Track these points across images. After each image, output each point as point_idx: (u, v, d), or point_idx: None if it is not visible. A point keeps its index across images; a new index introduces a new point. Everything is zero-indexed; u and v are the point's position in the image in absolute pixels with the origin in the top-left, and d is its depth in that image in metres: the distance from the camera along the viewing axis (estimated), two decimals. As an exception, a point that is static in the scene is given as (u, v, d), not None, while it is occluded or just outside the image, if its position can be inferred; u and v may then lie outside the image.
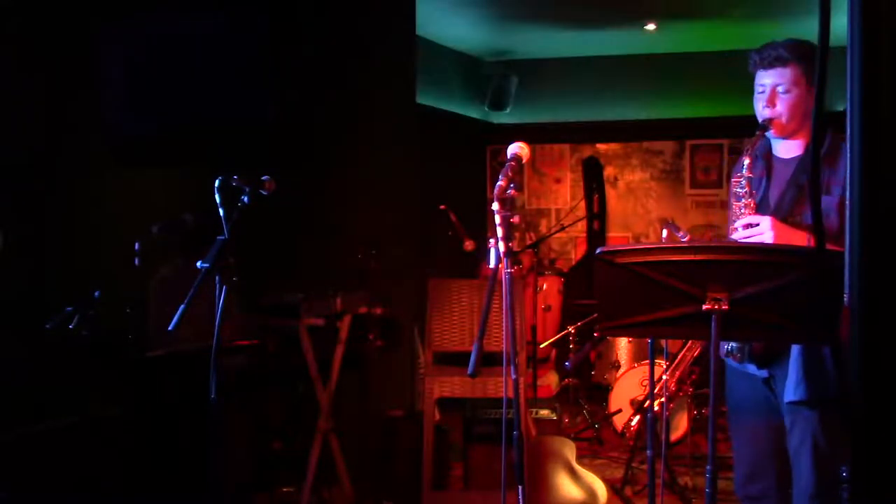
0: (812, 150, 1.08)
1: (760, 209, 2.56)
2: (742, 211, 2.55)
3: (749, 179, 2.56)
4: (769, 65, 2.50)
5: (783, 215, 2.51)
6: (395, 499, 4.08)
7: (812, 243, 2.36)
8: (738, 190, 2.57)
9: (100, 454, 3.20)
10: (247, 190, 2.66)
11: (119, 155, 4.70)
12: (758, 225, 2.46)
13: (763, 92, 2.54)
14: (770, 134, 2.56)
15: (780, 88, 2.50)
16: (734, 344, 2.57)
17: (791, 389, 2.46)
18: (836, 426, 2.42)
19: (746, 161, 2.56)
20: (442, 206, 4.62)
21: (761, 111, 2.54)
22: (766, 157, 2.64)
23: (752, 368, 2.60)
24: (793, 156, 2.59)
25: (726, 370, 2.74)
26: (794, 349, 2.46)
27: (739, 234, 2.51)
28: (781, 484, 2.61)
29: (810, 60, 2.48)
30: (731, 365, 2.68)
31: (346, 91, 4.50)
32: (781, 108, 2.51)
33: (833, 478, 2.40)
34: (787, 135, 2.56)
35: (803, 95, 2.50)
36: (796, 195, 2.53)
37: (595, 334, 2.69)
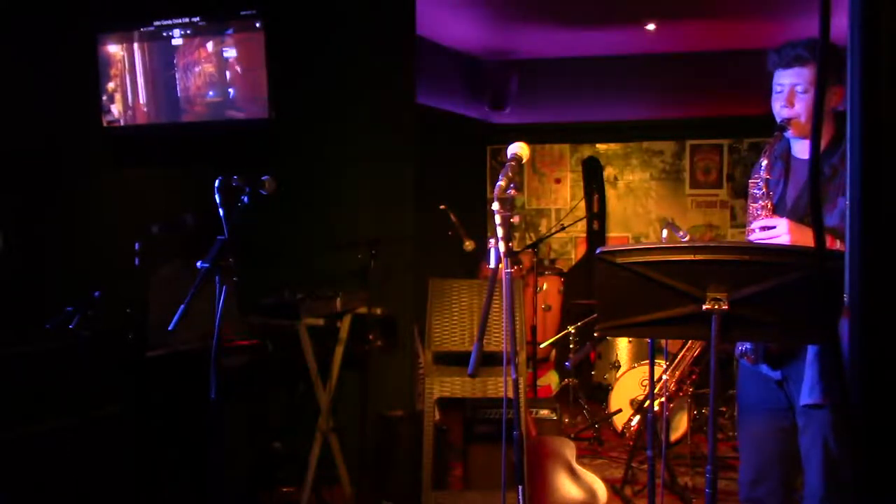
0: (812, 150, 1.08)
1: (777, 210, 2.53)
2: (759, 213, 2.52)
3: (766, 181, 2.53)
4: (788, 64, 2.47)
5: (800, 215, 2.48)
6: (395, 499, 4.08)
7: (833, 245, 2.33)
8: (756, 191, 2.54)
9: (100, 454, 3.20)
10: (247, 190, 2.67)
11: (119, 155, 4.71)
12: (774, 227, 2.44)
13: (781, 91, 2.50)
14: (788, 134, 2.52)
15: (798, 88, 2.47)
16: (748, 345, 2.55)
17: (806, 392, 2.43)
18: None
19: (764, 162, 2.53)
20: (442, 206, 4.62)
21: (779, 111, 2.51)
22: (785, 158, 2.62)
23: (765, 369, 2.58)
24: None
25: (739, 371, 2.71)
26: (810, 352, 2.42)
27: (756, 236, 2.48)
28: (786, 488, 2.60)
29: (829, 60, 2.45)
30: (745, 366, 2.65)
31: (346, 91, 4.50)
32: (800, 107, 2.47)
33: (843, 481, 2.38)
34: (805, 134, 2.52)
35: None
36: None
37: (595, 334, 2.68)
